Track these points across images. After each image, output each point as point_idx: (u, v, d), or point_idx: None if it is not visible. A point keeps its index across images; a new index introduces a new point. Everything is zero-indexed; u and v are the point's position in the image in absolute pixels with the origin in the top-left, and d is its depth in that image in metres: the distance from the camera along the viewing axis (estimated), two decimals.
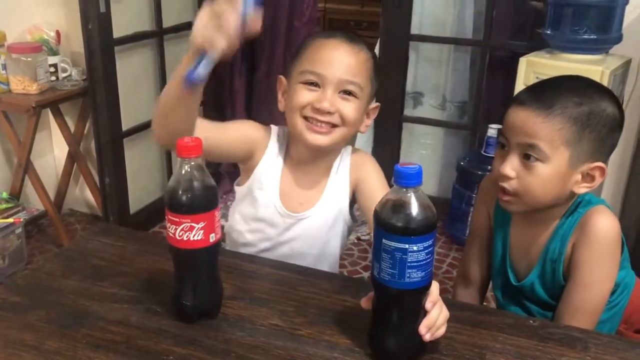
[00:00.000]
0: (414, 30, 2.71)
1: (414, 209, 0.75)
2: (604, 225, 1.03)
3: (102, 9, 2.24)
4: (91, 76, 2.34)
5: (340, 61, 1.09)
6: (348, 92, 1.09)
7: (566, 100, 1.00)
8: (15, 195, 2.44)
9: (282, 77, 1.18)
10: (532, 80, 1.93)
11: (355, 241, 2.59)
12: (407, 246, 0.75)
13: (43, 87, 2.30)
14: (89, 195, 2.74)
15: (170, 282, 0.90)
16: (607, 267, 1.05)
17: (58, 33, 2.42)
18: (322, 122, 1.09)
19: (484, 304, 1.38)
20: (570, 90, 1.02)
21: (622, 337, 1.11)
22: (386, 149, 2.78)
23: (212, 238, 0.85)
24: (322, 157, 1.18)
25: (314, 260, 1.20)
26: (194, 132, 1.00)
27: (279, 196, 1.18)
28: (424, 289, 0.79)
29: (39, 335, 0.86)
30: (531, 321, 0.93)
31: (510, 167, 1.02)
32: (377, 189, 1.12)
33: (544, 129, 0.99)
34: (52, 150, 2.73)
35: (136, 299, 0.95)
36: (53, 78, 2.38)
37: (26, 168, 2.39)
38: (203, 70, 0.87)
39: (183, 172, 0.84)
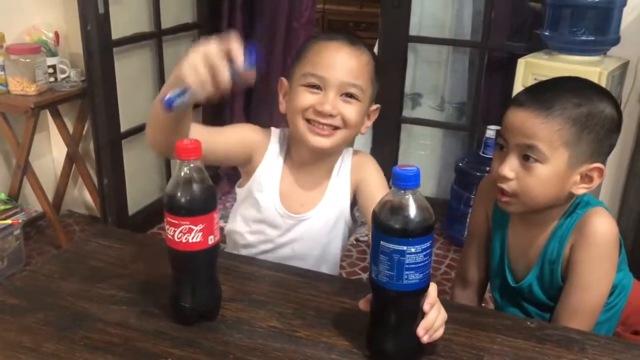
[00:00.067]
0: (413, 31, 2.71)
1: (412, 211, 0.75)
2: (602, 227, 1.03)
3: (101, 10, 2.24)
4: (90, 77, 2.34)
5: (342, 64, 1.09)
6: (350, 95, 1.10)
7: (565, 101, 1.00)
8: (14, 196, 2.43)
9: (283, 79, 1.18)
10: (531, 82, 1.94)
11: (354, 242, 2.59)
12: (405, 248, 0.75)
13: (42, 89, 2.30)
14: (87, 196, 2.74)
15: (169, 284, 0.90)
16: (605, 269, 1.05)
17: (57, 34, 2.42)
18: (324, 124, 1.09)
19: (482, 305, 1.38)
20: (569, 91, 1.02)
21: (620, 338, 1.11)
22: (385, 150, 2.79)
23: (211, 240, 0.86)
24: (323, 159, 1.18)
25: (314, 261, 1.21)
26: None
27: (279, 197, 1.18)
28: (422, 290, 0.79)
29: (37, 337, 0.86)
30: (529, 322, 0.94)
31: (509, 168, 1.02)
32: (377, 190, 1.12)
33: (543, 129, 0.99)
34: (51, 152, 2.73)
35: (134, 301, 0.95)
36: (52, 79, 2.38)
37: (25, 169, 2.38)
38: (182, 101, 0.86)
39: (182, 174, 0.84)
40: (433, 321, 0.81)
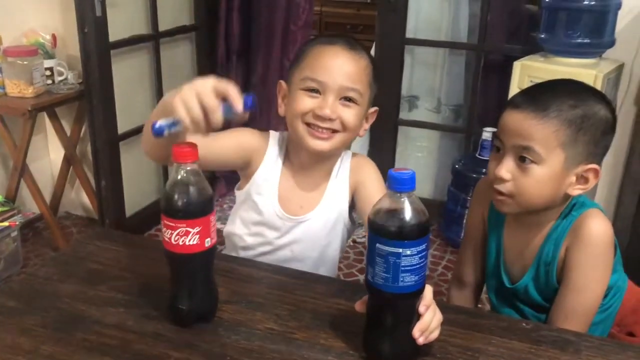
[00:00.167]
0: (410, 34, 2.72)
1: (408, 213, 0.76)
2: (597, 228, 1.04)
3: (98, 12, 2.24)
4: (87, 79, 2.34)
5: (340, 68, 1.10)
6: (348, 99, 1.11)
7: (561, 103, 1.00)
8: (11, 198, 2.43)
9: (282, 82, 1.19)
10: (527, 84, 1.95)
11: (351, 244, 2.59)
12: (400, 250, 0.76)
13: (39, 91, 2.30)
14: (84, 198, 2.74)
15: (166, 286, 0.91)
16: (600, 271, 1.06)
17: (54, 36, 2.42)
18: (323, 128, 1.10)
19: (479, 306, 1.39)
20: (565, 93, 1.03)
21: (614, 339, 1.12)
22: (382, 152, 2.79)
23: (208, 243, 0.86)
24: (322, 162, 1.19)
25: (313, 263, 1.21)
26: None
27: (278, 200, 1.19)
28: (418, 292, 0.80)
29: (35, 339, 0.86)
30: (524, 324, 0.94)
31: (506, 169, 1.03)
32: (375, 192, 1.13)
33: (540, 131, 1.00)
34: (48, 154, 2.73)
35: (132, 303, 0.95)
36: (49, 81, 2.38)
37: (22, 171, 2.38)
38: (172, 131, 0.85)
39: (179, 177, 0.84)
40: (429, 323, 0.82)
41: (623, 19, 2.12)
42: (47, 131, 2.66)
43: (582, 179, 1.04)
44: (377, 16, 2.73)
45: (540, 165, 1.01)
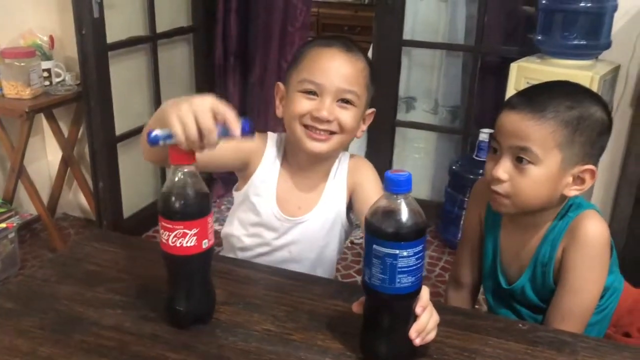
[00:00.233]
0: (407, 35, 2.73)
1: (404, 215, 0.76)
2: (594, 230, 1.05)
3: (96, 14, 2.25)
4: (85, 81, 2.34)
5: (338, 71, 1.10)
6: (346, 101, 1.11)
7: (558, 104, 1.01)
8: (9, 200, 2.43)
9: (279, 84, 1.19)
10: (523, 85, 1.95)
11: (349, 245, 2.60)
12: (397, 252, 0.76)
13: (36, 92, 2.30)
14: (82, 199, 2.74)
15: (164, 287, 0.91)
16: (597, 272, 1.06)
17: (51, 38, 2.42)
18: (321, 130, 1.11)
19: (476, 307, 1.39)
20: (561, 94, 1.04)
21: (610, 340, 1.12)
22: (379, 154, 2.80)
23: (205, 244, 0.86)
24: (320, 163, 1.19)
25: (311, 264, 1.22)
26: None
27: (276, 201, 1.19)
28: (414, 293, 0.80)
29: (33, 341, 0.86)
30: (521, 325, 0.95)
31: (503, 170, 1.03)
32: (373, 193, 1.13)
33: (537, 132, 1.00)
34: (46, 155, 2.73)
35: (130, 305, 0.95)
36: (46, 83, 2.38)
37: (19, 173, 2.38)
38: (165, 142, 0.85)
39: (176, 179, 0.84)
40: (425, 324, 0.82)
41: (619, 21, 2.13)
42: (44, 132, 2.66)
43: (579, 179, 1.05)
44: (375, 18, 2.74)
45: (537, 165, 1.01)
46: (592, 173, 1.04)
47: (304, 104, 1.11)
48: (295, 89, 1.12)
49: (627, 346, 0.93)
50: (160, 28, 2.64)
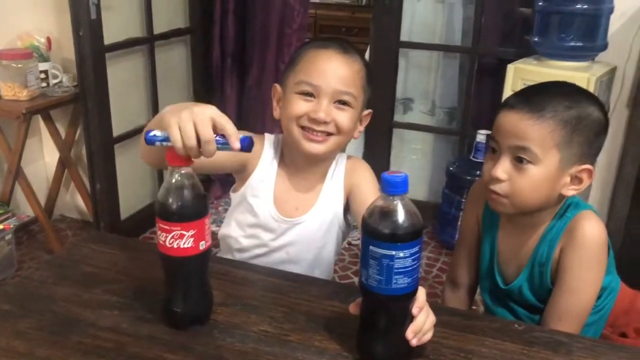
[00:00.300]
0: (404, 37, 2.73)
1: (401, 216, 0.77)
2: (591, 230, 1.05)
3: (93, 15, 2.25)
4: (82, 82, 2.34)
5: (334, 72, 1.11)
6: (343, 102, 1.12)
7: (556, 104, 1.01)
8: (6, 201, 2.43)
9: (277, 85, 1.19)
10: (520, 87, 1.96)
11: (347, 246, 2.60)
12: (394, 253, 0.76)
13: (33, 94, 2.30)
14: (79, 201, 2.74)
15: (161, 289, 0.91)
16: (594, 272, 1.07)
17: (49, 39, 2.42)
18: (318, 131, 1.11)
19: (473, 307, 1.40)
20: (559, 94, 1.04)
21: (607, 340, 1.13)
22: (377, 155, 2.80)
23: (202, 245, 0.86)
24: (317, 164, 1.20)
25: (308, 265, 1.22)
26: None
27: (274, 202, 1.19)
28: (411, 294, 0.81)
29: (30, 343, 0.87)
30: (517, 325, 0.95)
31: (502, 169, 1.03)
32: (370, 194, 1.13)
33: (536, 131, 1.01)
34: (43, 157, 2.72)
35: (127, 306, 0.95)
36: (44, 84, 2.38)
37: (16, 174, 2.38)
38: (162, 144, 0.85)
39: (173, 180, 0.85)
40: (422, 324, 0.82)
41: (615, 23, 2.13)
42: (41, 134, 2.66)
43: (576, 179, 1.05)
44: (372, 19, 2.74)
45: (536, 165, 1.02)
46: (590, 173, 1.04)
47: (301, 106, 1.11)
48: (292, 90, 1.13)
49: (623, 346, 0.93)
50: (158, 29, 2.64)
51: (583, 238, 1.05)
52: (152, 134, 0.86)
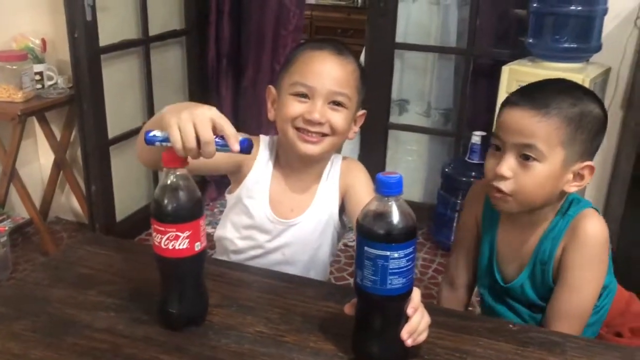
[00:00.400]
0: (399, 38, 2.74)
1: (395, 217, 0.77)
2: (594, 229, 1.06)
3: (88, 17, 2.24)
4: (77, 84, 2.33)
5: (329, 73, 1.11)
6: (337, 103, 1.12)
7: (560, 101, 1.02)
8: (0, 203, 2.42)
9: (271, 87, 1.20)
10: (515, 88, 1.94)
11: (342, 247, 2.60)
12: (388, 253, 0.76)
13: (28, 95, 2.30)
14: (75, 203, 2.74)
15: (157, 290, 0.91)
16: (596, 271, 1.07)
17: (44, 41, 2.42)
18: (313, 132, 1.12)
19: (469, 308, 1.40)
20: (562, 91, 1.05)
21: (602, 340, 1.13)
22: (372, 156, 2.81)
23: (198, 247, 0.86)
24: (312, 165, 1.20)
25: (304, 266, 1.22)
26: None
27: (269, 203, 1.20)
28: (406, 295, 0.81)
29: (25, 344, 0.86)
30: (511, 325, 0.95)
31: (507, 167, 1.03)
32: (365, 195, 1.14)
33: (542, 128, 1.01)
34: (38, 159, 2.72)
35: (122, 307, 0.95)
36: (39, 86, 2.37)
37: (11, 176, 2.37)
38: (162, 144, 0.85)
39: (168, 181, 0.85)
40: (417, 325, 0.82)
41: (609, 24, 2.14)
42: (36, 136, 2.65)
43: (578, 176, 1.06)
44: (367, 21, 2.75)
45: (542, 162, 1.02)
46: (591, 169, 1.05)
47: (295, 107, 1.12)
48: (287, 91, 1.13)
49: (617, 346, 0.94)
50: (153, 31, 2.64)
51: (585, 236, 1.05)
52: (152, 134, 0.86)
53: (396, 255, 0.76)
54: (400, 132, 2.91)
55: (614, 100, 2.26)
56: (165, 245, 0.85)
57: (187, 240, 0.85)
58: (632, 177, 2.24)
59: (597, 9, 2.06)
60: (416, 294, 0.83)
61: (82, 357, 0.84)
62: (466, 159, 2.57)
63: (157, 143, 0.85)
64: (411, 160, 2.97)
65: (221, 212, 1.30)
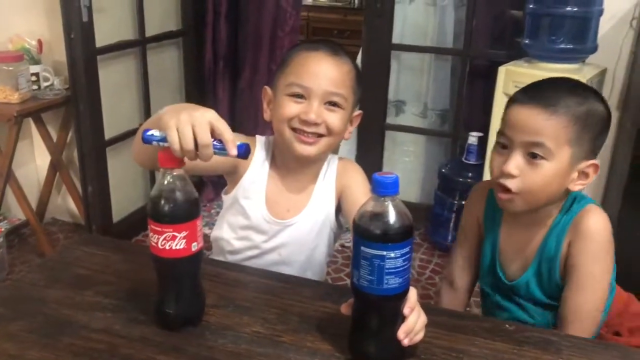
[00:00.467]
0: (396, 39, 2.74)
1: (392, 217, 0.77)
2: (597, 224, 1.06)
3: (85, 18, 2.24)
4: (73, 85, 2.33)
5: (324, 74, 1.11)
6: (333, 103, 1.12)
7: (568, 100, 1.02)
8: None
9: (267, 88, 1.20)
10: (512, 89, 1.97)
11: (339, 248, 2.60)
12: (384, 253, 0.77)
13: (25, 96, 2.29)
14: (71, 204, 2.73)
15: (153, 290, 0.91)
16: (604, 265, 1.07)
17: (40, 42, 2.41)
18: (309, 133, 1.12)
19: (467, 309, 1.40)
20: (568, 90, 1.05)
21: (602, 339, 1.13)
22: (369, 157, 2.81)
23: (194, 247, 0.87)
24: (309, 165, 1.20)
25: (300, 266, 1.22)
26: None
27: (266, 203, 1.20)
28: (402, 294, 0.81)
29: (22, 345, 0.86)
30: (507, 325, 0.96)
31: (514, 165, 1.03)
32: (361, 195, 1.14)
33: (550, 126, 1.01)
34: (34, 160, 2.71)
35: (119, 308, 0.95)
36: (35, 87, 2.37)
37: (7, 177, 2.37)
38: (159, 144, 0.85)
39: (165, 182, 0.85)
40: (413, 325, 0.83)
41: (605, 25, 2.15)
42: (33, 137, 2.65)
43: (583, 174, 1.06)
44: (364, 22, 2.75)
45: (549, 161, 1.02)
46: (596, 167, 1.06)
47: (292, 108, 1.12)
48: (283, 92, 1.13)
49: (615, 345, 0.95)
50: (150, 32, 2.64)
51: (590, 232, 1.05)
52: (149, 133, 0.86)
53: (392, 255, 0.77)
54: (397, 133, 2.91)
55: (609, 101, 2.24)
56: (162, 245, 0.85)
57: (184, 241, 0.85)
58: (628, 177, 2.24)
59: (593, 10, 2.07)
60: (412, 293, 0.83)
61: (78, 358, 0.84)
62: (463, 159, 2.57)
63: (155, 143, 0.86)
64: (408, 161, 2.98)
65: (218, 212, 1.30)
